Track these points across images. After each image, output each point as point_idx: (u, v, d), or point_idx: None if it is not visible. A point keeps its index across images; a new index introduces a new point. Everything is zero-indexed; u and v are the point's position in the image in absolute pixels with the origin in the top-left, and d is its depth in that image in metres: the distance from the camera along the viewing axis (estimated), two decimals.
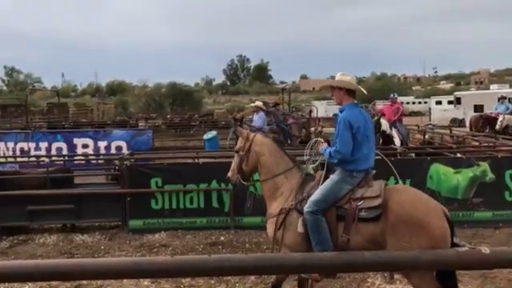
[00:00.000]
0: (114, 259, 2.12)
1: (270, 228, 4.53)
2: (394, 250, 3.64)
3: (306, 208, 4.23)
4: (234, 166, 4.92)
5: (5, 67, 74.84)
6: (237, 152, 4.91)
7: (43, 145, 13.22)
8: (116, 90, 69.39)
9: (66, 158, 11.42)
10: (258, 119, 13.62)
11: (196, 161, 8.95)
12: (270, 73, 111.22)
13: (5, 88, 74.52)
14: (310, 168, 4.68)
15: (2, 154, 12.83)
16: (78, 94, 73.49)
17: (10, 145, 13.34)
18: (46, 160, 10.10)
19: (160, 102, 48.46)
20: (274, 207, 4.54)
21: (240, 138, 4.93)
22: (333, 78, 4.91)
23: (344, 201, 4.23)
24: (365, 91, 4.76)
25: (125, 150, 12.06)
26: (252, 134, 4.85)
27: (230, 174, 4.95)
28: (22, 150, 13.13)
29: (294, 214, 4.37)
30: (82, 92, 75.09)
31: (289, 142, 15.07)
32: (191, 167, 8.40)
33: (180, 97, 49.16)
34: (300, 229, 4.27)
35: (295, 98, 49.87)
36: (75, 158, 12.09)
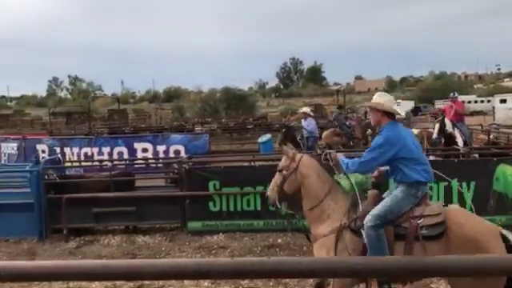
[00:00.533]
0: (175, 260, 2.18)
1: (319, 249, 4.38)
2: None
3: (368, 222, 4.13)
4: (273, 184, 4.75)
5: (69, 76, 79.07)
6: (279, 171, 4.73)
7: (105, 149, 13.77)
8: (172, 95, 71.30)
9: (127, 161, 11.84)
10: (308, 125, 13.50)
11: (252, 164, 9.01)
12: (323, 74, 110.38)
13: (69, 96, 78.40)
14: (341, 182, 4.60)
15: (68, 159, 13.48)
16: (136, 100, 76.12)
17: (75, 150, 14.00)
18: (109, 164, 10.51)
19: (215, 107, 49.21)
20: (321, 229, 4.39)
21: (284, 157, 4.75)
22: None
23: (403, 219, 4.16)
24: (402, 114, 4.72)
25: (183, 154, 12.33)
26: (299, 156, 4.70)
27: (269, 193, 4.78)
28: (86, 154, 13.75)
29: (347, 234, 4.26)
30: (141, 98, 77.70)
31: (351, 143, 14.86)
32: (248, 170, 8.46)
33: (234, 101, 49.76)
34: (365, 239, 4.16)
35: (350, 100, 49.14)
36: (136, 161, 12.51)
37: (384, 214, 4.14)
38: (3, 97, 76.23)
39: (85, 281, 4.74)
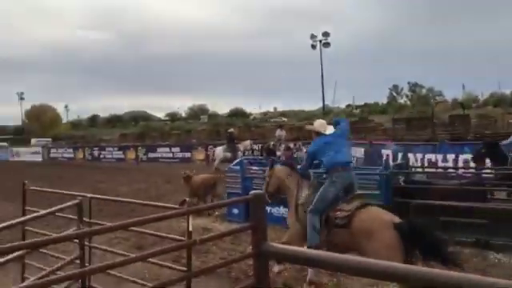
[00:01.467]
0: None
1: (289, 218, 6.39)
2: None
3: (308, 207, 5.81)
4: (263, 187, 6.83)
5: (408, 83, 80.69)
6: (264, 178, 7.11)
7: (450, 156, 13.31)
8: None
9: (475, 170, 11.06)
10: None
11: None
12: None
13: (408, 103, 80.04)
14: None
15: (411, 165, 13.68)
16: (479, 104, 70.96)
17: (419, 156, 14.11)
18: (459, 172, 10.07)
19: None
20: (291, 204, 6.28)
21: (268, 168, 6.88)
22: None
23: (332, 210, 5.62)
24: (326, 132, 6.22)
25: None
26: (275, 166, 6.74)
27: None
28: (429, 161, 13.65)
29: (301, 210, 6.03)
30: (484, 102, 72.03)
31: None
32: None
33: None
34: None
35: None
36: (484, 171, 11.57)
37: (316, 202, 5.75)
38: (349, 105, 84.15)
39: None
